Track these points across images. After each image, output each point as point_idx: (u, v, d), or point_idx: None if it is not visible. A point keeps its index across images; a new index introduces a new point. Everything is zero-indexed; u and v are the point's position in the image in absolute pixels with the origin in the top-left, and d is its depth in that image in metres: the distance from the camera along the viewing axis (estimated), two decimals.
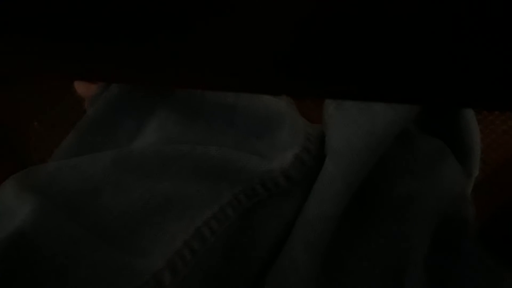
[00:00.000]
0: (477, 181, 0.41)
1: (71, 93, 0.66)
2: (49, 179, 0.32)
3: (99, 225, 0.29)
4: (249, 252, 0.31)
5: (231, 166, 0.32)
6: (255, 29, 0.15)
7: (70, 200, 0.30)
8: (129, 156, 0.33)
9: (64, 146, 0.40)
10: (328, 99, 0.37)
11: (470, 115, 0.39)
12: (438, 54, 0.14)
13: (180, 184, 0.31)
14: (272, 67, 0.16)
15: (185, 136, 0.36)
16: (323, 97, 0.34)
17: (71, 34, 0.15)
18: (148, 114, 0.39)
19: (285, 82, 0.17)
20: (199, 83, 0.19)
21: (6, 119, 0.76)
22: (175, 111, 0.38)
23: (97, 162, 0.33)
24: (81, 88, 0.47)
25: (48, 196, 0.30)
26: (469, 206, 0.36)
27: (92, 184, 0.31)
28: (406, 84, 0.16)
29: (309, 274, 0.30)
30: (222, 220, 0.30)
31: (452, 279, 0.31)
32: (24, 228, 0.28)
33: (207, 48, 0.15)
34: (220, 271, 0.30)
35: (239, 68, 0.16)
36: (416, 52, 0.14)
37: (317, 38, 0.14)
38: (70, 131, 0.41)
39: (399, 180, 0.34)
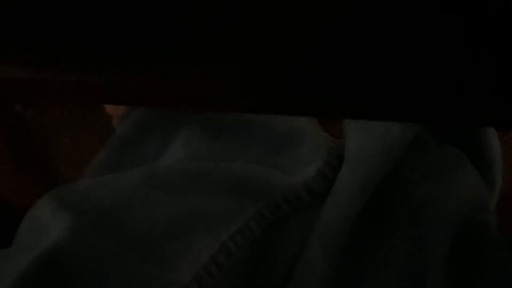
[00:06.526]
0: (505, 193, 0.41)
1: (101, 111, 0.68)
2: (83, 196, 0.33)
3: (130, 240, 0.31)
4: (273, 265, 0.32)
5: (254, 181, 0.33)
6: (270, 49, 0.15)
7: (102, 217, 0.32)
8: (157, 173, 0.34)
9: (96, 163, 0.42)
10: None
11: None
12: (457, 75, 0.15)
13: (206, 200, 0.33)
14: (287, 88, 0.16)
15: (209, 152, 0.37)
16: (341, 117, 0.35)
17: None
18: (174, 131, 0.40)
19: (301, 103, 0.18)
20: (216, 106, 0.20)
21: (37, 136, 0.79)
22: (199, 128, 0.39)
23: (127, 180, 0.34)
24: (111, 106, 0.49)
25: (82, 213, 0.31)
26: (489, 214, 0.36)
27: (122, 200, 0.33)
28: (426, 104, 0.16)
29: (326, 276, 0.31)
30: (247, 234, 0.31)
31: (474, 283, 0.31)
32: (59, 245, 0.29)
33: (223, 71, 0.16)
34: (246, 284, 0.31)
35: (255, 89, 0.17)
36: (436, 71, 0.15)
37: (332, 56, 0.15)
38: (99, 148, 0.43)
39: (415, 185, 0.35)
